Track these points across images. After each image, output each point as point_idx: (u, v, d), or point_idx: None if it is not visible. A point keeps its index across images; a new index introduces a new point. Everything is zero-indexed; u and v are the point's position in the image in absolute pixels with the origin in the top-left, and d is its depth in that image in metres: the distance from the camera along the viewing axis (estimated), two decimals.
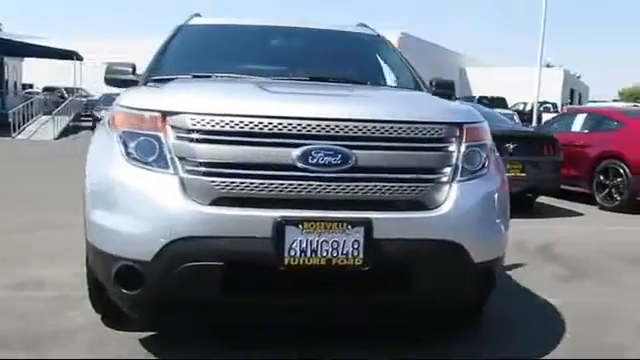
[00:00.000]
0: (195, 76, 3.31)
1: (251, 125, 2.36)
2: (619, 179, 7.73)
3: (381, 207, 2.38)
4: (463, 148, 2.55)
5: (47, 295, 3.44)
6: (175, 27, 4.03)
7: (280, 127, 2.36)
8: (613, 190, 7.81)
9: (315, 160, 2.33)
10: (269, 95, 2.66)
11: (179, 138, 2.38)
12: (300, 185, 2.33)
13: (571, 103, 39.62)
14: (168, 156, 2.37)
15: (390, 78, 3.67)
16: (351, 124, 2.40)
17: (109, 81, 3.66)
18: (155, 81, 3.31)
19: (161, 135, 2.40)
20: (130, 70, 3.53)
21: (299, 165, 2.33)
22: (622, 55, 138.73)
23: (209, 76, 3.38)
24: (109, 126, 2.63)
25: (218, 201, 2.31)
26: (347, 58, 4.03)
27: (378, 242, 2.31)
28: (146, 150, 2.41)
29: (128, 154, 2.44)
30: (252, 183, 2.31)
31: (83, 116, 25.41)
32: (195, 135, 2.36)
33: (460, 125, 2.58)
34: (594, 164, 8.02)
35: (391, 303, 2.50)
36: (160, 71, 3.45)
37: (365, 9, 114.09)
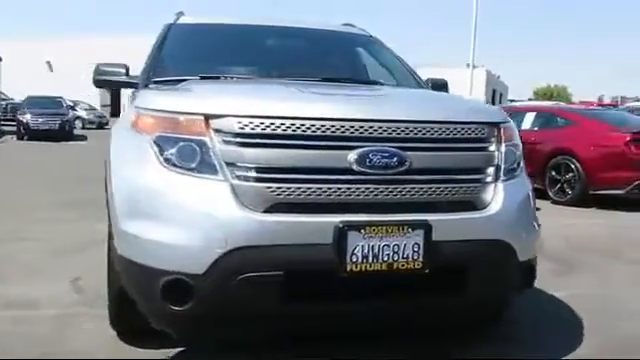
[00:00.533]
0: (203, 77, 3.15)
1: (304, 128, 2.26)
2: (570, 174, 8.10)
3: (436, 209, 2.35)
4: (503, 148, 2.56)
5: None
6: (164, 26, 3.84)
7: (336, 129, 2.28)
8: (565, 185, 8.18)
9: (372, 162, 2.26)
10: (316, 97, 2.58)
11: (226, 142, 2.24)
12: (358, 188, 2.26)
13: (493, 103, 41.22)
14: (215, 162, 2.23)
15: (398, 78, 3.65)
16: (407, 125, 2.35)
17: (99, 82, 3.46)
18: (160, 82, 3.14)
19: (206, 139, 2.26)
20: (123, 71, 3.36)
21: (356, 168, 2.25)
22: (536, 56, 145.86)
23: (217, 77, 3.25)
24: (136, 130, 2.45)
25: (274, 208, 2.20)
26: (351, 58, 3.98)
27: (436, 244, 2.27)
28: (189, 156, 2.26)
29: (167, 160, 2.29)
30: (309, 188, 2.22)
31: (4, 120, 23.94)
32: (244, 139, 2.24)
33: (498, 125, 2.59)
34: (546, 160, 8.37)
35: (444, 306, 2.48)
36: (163, 72, 3.27)
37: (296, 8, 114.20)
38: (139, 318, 2.46)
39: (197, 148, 2.26)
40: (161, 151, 2.31)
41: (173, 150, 2.29)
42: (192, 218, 2.20)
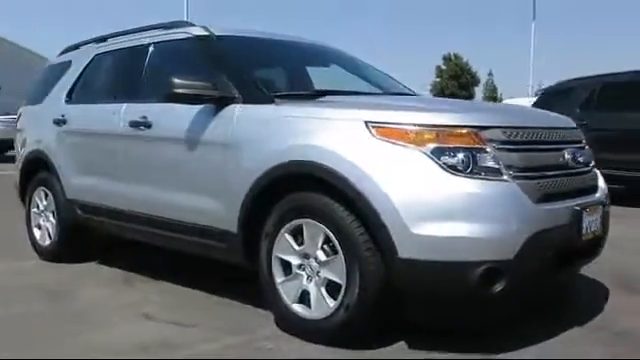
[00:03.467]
0: (279, 96, 3.35)
1: (537, 135, 2.89)
2: None
3: (594, 191, 3.22)
4: None
5: None
6: (203, 37, 3.75)
7: (553, 136, 2.96)
8: None
9: (576, 159, 3.02)
10: (510, 109, 3.17)
11: (499, 149, 2.70)
12: (573, 180, 2.99)
13: None
14: (497, 166, 2.67)
15: (399, 85, 4.36)
16: (571, 131, 3.17)
17: (181, 97, 3.31)
18: (282, 97, 3.28)
19: (484, 147, 2.68)
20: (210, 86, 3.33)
21: (569, 164, 2.98)
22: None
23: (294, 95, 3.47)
24: (403, 144, 2.67)
25: (540, 199, 2.76)
26: (373, 72, 4.45)
27: (605, 215, 3.16)
28: (471, 162, 2.63)
29: (450, 167, 2.62)
30: (554, 181, 2.86)
31: None
32: (509, 145, 2.74)
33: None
34: None
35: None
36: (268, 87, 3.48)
37: None
38: None
39: (477, 155, 2.66)
40: (441, 160, 2.63)
41: (455, 159, 2.63)
42: (495, 214, 2.61)
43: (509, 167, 2.70)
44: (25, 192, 5.04)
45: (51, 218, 4.76)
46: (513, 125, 2.82)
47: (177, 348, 2.88)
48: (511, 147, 2.75)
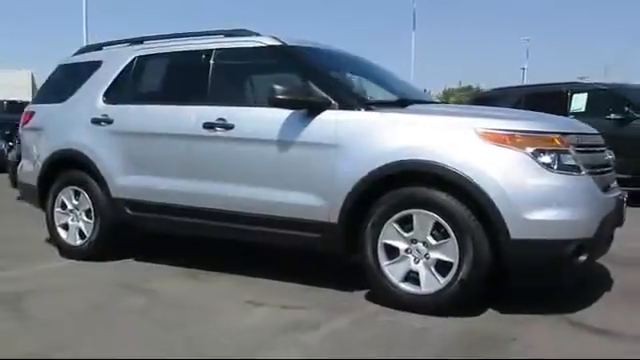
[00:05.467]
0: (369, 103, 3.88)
1: (592, 140, 3.66)
2: None
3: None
4: None
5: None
6: (278, 47, 4.12)
7: (597, 140, 3.74)
8: None
9: (609, 161, 3.80)
10: (572, 121, 3.94)
11: (577, 151, 3.41)
12: (612, 174, 3.79)
13: None
14: (578, 164, 3.37)
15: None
16: (601, 137, 3.97)
17: (283, 102, 3.70)
18: (374, 104, 3.78)
19: (569, 150, 3.37)
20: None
21: (610, 162, 3.77)
22: None
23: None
24: (509, 147, 3.28)
25: (603, 190, 3.52)
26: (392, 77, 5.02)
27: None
28: (561, 161, 3.32)
29: (546, 165, 3.28)
30: (605, 176, 3.63)
31: None
32: (580, 148, 3.46)
33: None
34: None
35: None
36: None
37: None
38: None
39: (564, 156, 3.34)
40: (539, 160, 3.28)
41: (549, 158, 3.30)
42: (582, 202, 3.31)
43: (584, 165, 3.42)
44: (45, 192, 4.97)
45: (84, 217, 4.78)
46: (580, 132, 3.57)
47: (312, 327, 3.25)
48: (582, 149, 3.47)
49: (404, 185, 3.48)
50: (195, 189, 4.18)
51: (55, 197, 4.92)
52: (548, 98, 8.66)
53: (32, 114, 5.24)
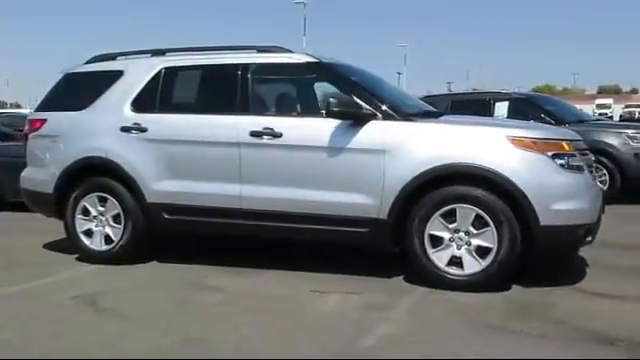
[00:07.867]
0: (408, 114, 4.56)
1: (583, 145, 4.54)
2: None
3: None
4: None
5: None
6: (316, 64, 4.63)
7: (584, 146, 4.64)
8: None
9: (591, 162, 4.72)
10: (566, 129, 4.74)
11: (579, 154, 4.27)
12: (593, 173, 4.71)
13: None
14: (581, 164, 4.22)
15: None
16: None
17: (337, 114, 4.26)
18: (412, 115, 4.43)
19: (575, 153, 4.21)
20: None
21: (592, 165, 4.69)
22: None
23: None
24: (534, 151, 4.06)
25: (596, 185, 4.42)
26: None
27: None
28: (571, 162, 4.15)
29: (562, 166, 4.10)
30: (590, 173, 4.54)
31: None
32: (580, 151, 4.32)
33: None
34: None
35: None
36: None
37: None
38: None
39: (572, 158, 4.18)
40: (556, 161, 4.09)
41: (564, 160, 4.12)
42: (589, 194, 4.18)
43: (585, 165, 4.28)
44: (64, 199, 5.01)
45: (112, 222, 4.91)
46: (577, 139, 4.44)
47: (387, 307, 3.80)
48: (581, 153, 4.34)
49: (446, 185, 4.14)
50: (242, 192, 4.53)
51: (76, 204, 4.98)
52: (473, 105, 9.74)
53: (44, 121, 5.22)
